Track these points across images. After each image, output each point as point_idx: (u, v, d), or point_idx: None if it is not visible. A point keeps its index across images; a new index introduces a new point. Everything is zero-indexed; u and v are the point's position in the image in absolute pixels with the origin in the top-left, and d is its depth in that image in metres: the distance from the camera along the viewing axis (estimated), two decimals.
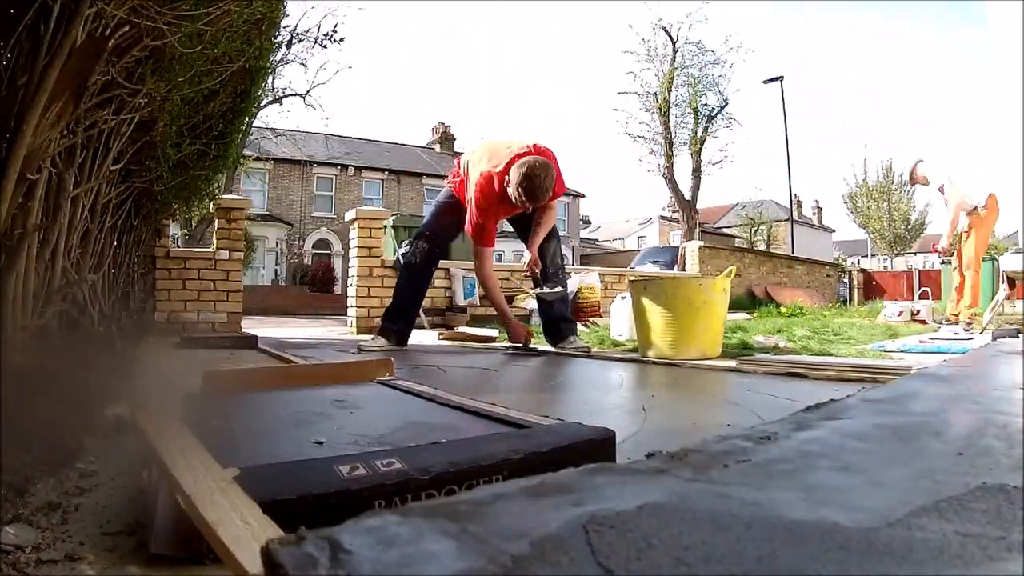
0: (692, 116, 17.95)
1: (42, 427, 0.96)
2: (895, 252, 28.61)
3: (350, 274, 5.88)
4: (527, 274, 3.48)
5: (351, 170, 23.03)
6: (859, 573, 0.34)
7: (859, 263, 27.86)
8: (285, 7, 3.65)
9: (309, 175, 22.27)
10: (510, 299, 6.35)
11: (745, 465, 0.54)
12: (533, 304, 4.55)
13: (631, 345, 3.42)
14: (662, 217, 34.98)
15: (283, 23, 4.50)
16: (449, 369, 2.56)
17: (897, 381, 1.24)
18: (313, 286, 18.19)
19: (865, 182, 28.38)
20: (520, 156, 3.03)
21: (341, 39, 14.31)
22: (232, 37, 2.25)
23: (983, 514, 0.43)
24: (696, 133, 17.88)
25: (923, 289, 10.58)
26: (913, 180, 5.45)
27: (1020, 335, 3.38)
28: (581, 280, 6.88)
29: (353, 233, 5.81)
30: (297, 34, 14.37)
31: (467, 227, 3.26)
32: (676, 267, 11.38)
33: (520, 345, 3.38)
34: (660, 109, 17.79)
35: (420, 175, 24.24)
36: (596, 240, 37.79)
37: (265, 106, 15.34)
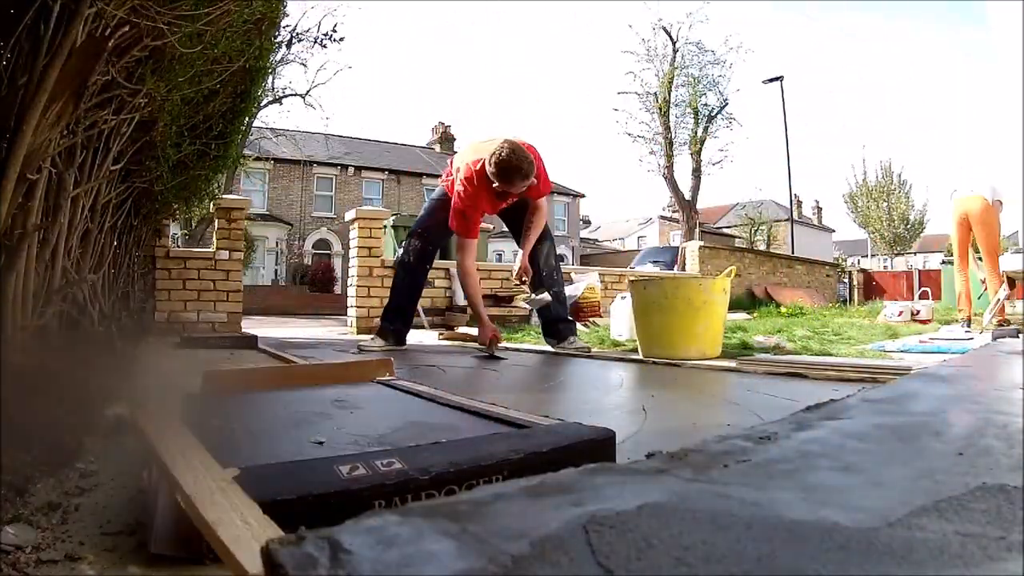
0: (692, 116, 17.96)
1: (42, 427, 0.96)
2: (895, 252, 28.62)
3: (350, 274, 5.88)
4: (517, 282, 3.45)
5: (351, 170, 23.03)
6: (859, 573, 0.34)
7: (859, 263, 27.87)
8: (285, 7, 3.66)
9: (309, 175, 22.28)
10: (509, 299, 6.36)
11: (745, 465, 0.54)
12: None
13: (631, 345, 3.42)
14: (662, 217, 34.98)
15: (283, 23, 4.50)
16: (449, 369, 2.56)
17: (897, 381, 1.24)
18: (313, 286, 18.19)
19: (865, 182, 28.39)
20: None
21: (341, 39, 14.33)
22: (232, 37, 2.25)
23: (983, 514, 0.43)
24: (696, 133, 17.89)
25: (923, 289, 10.60)
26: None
27: (1020, 335, 3.38)
28: (586, 282, 6.89)
29: (353, 233, 5.81)
30: (297, 34, 14.40)
31: (451, 219, 3.24)
32: (676, 267, 11.38)
33: (485, 347, 3.25)
34: (660, 109, 17.80)
35: (420, 175, 24.24)
36: (596, 240, 37.79)
37: (265, 106, 15.36)
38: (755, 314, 7.20)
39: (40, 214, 1.45)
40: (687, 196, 17.79)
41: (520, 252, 3.36)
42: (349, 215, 5.91)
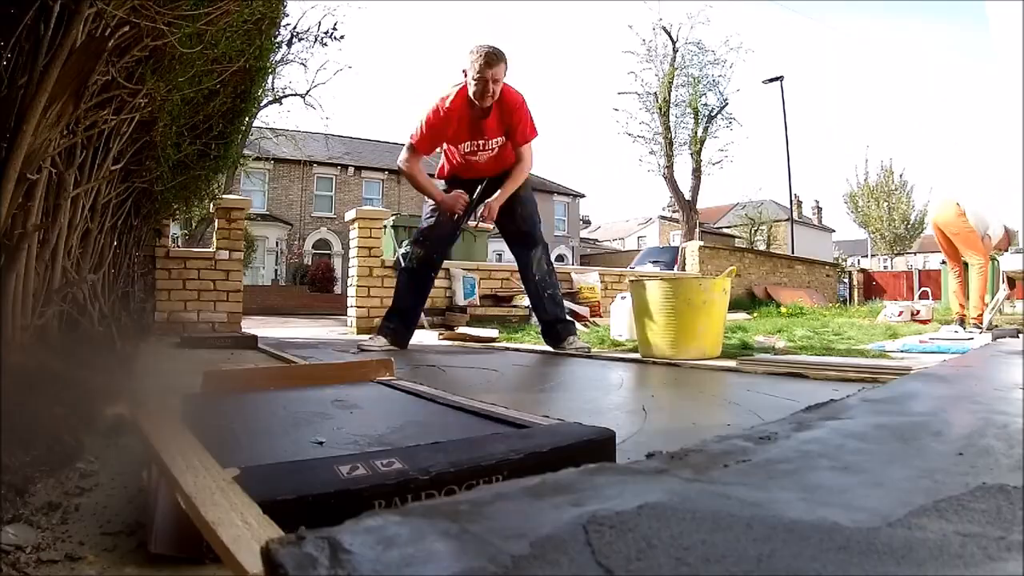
0: (692, 116, 17.97)
1: (42, 427, 0.96)
2: (895, 252, 28.63)
3: (350, 274, 5.88)
4: (489, 227, 3.41)
5: (351, 170, 23.03)
6: (859, 573, 0.34)
7: (859, 263, 27.89)
8: (285, 7, 3.66)
9: (309, 175, 22.28)
10: (509, 299, 6.37)
11: (745, 465, 0.54)
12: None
13: (631, 345, 3.42)
14: (662, 217, 34.98)
15: (283, 22, 4.50)
16: (449, 369, 2.56)
17: (897, 381, 1.24)
18: (313, 286, 18.19)
19: (866, 182, 28.40)
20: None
21: (341, 37, 14.34)
22: (232, 37, 2.25)
23: (983, 514, 0.43)
24: (696, 133, 17.90)
25: (923, 289, 10.59)
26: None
27: (1020, 335, 3.38)
28: (581, 280, 6.89)
29: (353, 233, 5.81)
30: (297, 33, 14.40)
31: (413, 136, 3.24)
32: (676, 267, 11.38)
33: (459, 214, 3.30)
34: (660, 109, 17.80)
35: None
36: (596, 240, 37.79)
37: (265, 106, 15.35)
38: (755, 314, 7.20)
39: (40, 214, 1.45)
40: (687, 196, 17.80)
41: (492, 199, 3.28)
42: (349, 215, 5.91)
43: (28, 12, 1.24)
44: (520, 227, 3.39)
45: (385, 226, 6.40)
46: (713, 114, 18.00)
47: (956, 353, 2.71)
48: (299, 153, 20.25)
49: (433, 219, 3.43)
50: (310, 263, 20.66)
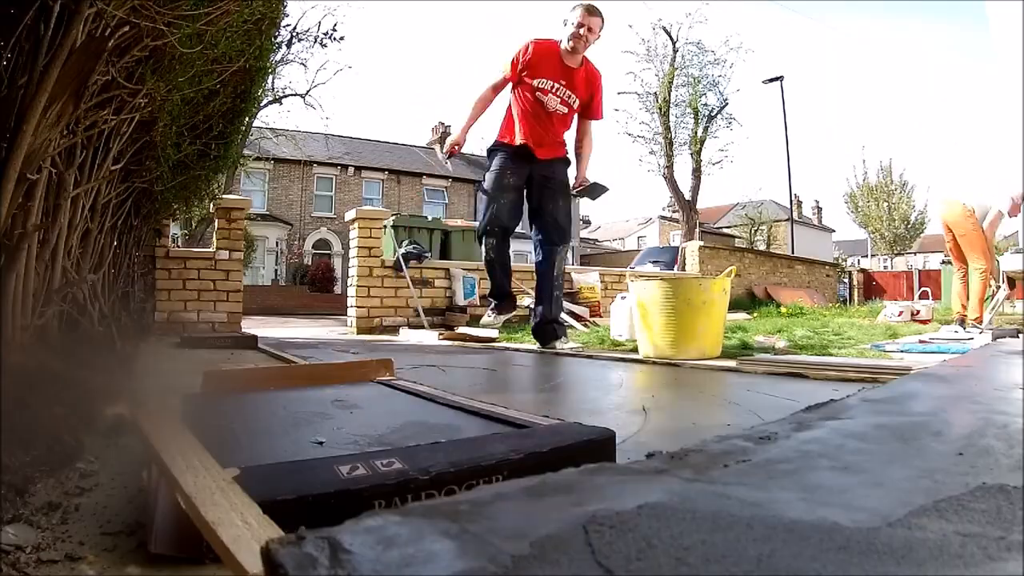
0: (692, 116, 17.97)
1: (42, 427, 0.96)
2: (895, 252, 28.64)
3: (350, 274, 5.88)
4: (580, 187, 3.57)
5: (351, 170, 23.02)
6: (859, 573, 0.34)
7: (859, 263, 27.89)
8: (285, 7, 3.66)
9: (309, 175, 22.27)
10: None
11: (745, 465, 0.54)
12: (529, 301, 4.58)
13: (631, 345, 3.42)
14: (662, 217, 34.97)
15: (283, 23, 4.50)
16: (449, 369, 2.56)
17: (897, 381, 1.24)
18: (313, 286, 18.20)
19: (865, 182, 28.41)
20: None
21: (341, 38, 14.34)
22: (232, 37, 2.25)
23: (983, 514, 0.43)
24: (696, 133, 17.90)
25: (923, 289, 10.61)
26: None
27: (1020, 335, 3.38)
28: (581, 280, 6.89)
29: (353, 233, 5.81)
30: (297, 34, 14.39)
31: (506, 62, 3.40)
32: (676, 267, 11.38)
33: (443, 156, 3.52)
34: (660, 109, 17.81)
35: (420, 175, 24.23)
36: (596, 240, 37.78)
37: (265, 106, 15.35)
38: (755, 314, 7.19)
39: (40, 214, 1.45)
40: (687, 196, 17.80)
41: (577, 172, 3.56)
42: (349, 215, 5.91)
43: (28, 12, 1.24)
44: (558, 219, 3.48)
45: (385, 226, 6.39)
46: (713, 114, 18.01)
47: (956, 353, 2.71)
48: (299, 153, 20.26)
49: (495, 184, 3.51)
50: (310, 263, 20.66)
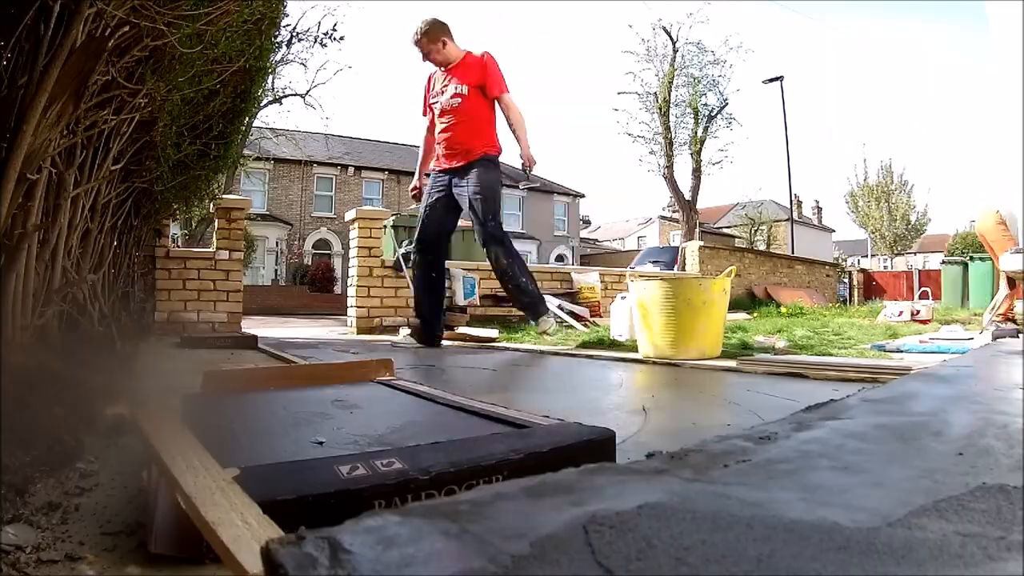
0: (692, 116, 17.99)
1: (42, 427, 0.96)
2: (895, 252, 28.64)
3: (350, 274, 5.88)
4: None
5: (351, 170, 23.03)
6: (859, 573, 0.34)
7: (859, 263, 27.89)
8: (285, 7, 3.66)
9: (309, 175, 22.27)
10: (509, 299, 6.36)
11: (745, 465, 0.54)
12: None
13: (631, 345, 3.42)
14: (662, 217, 34.97)
15: (283, 23, 4.51)
16: (449, 369, 2.56)
17: (897, 381, 1.24)
18: (313, 286, 18.20)
19: (865, 182, 28.41)
20: None
21: (341, 38, 14.34)
22: (232, 37, 2.25)
23: (983, 514, 0.43)
24: (696, 133, 17.91)
25: (923, 289, 10.60)
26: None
27: (1020, 335, 3.38)
28: (581, 280, 6.89)
29: (353, 233, 5.81)
30: (297, 34, 14.40)
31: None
32: (676, 267, 11.39)
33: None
34: (660, 109, 17.82)
35: None
36: (596, 240, 37.78)
37: (265, 106, 15.35)
38: (755, 314, 7.19)
39: (40, 214, 1.45)
40: (687, 196, 17.80)
41: (523, 147, 3.82)
42: (349, 215, 5.91)
43: (28, 12, 1.24)
44: (479, 219, 3.74)
45: (385, 226, 6.39)
46: (713, 114, 18.02)
47: (956, 353, 2.71)
48: (299, 153, 20.26)
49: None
50: (310, 263, 20.67)
